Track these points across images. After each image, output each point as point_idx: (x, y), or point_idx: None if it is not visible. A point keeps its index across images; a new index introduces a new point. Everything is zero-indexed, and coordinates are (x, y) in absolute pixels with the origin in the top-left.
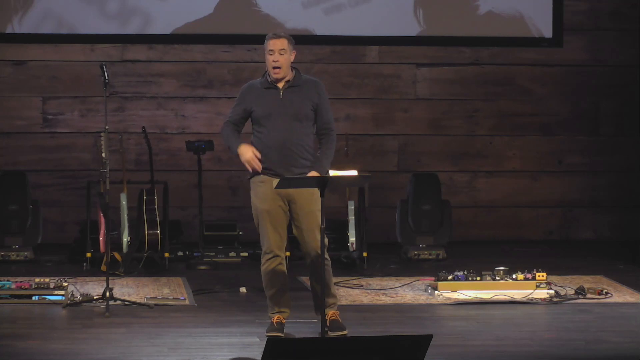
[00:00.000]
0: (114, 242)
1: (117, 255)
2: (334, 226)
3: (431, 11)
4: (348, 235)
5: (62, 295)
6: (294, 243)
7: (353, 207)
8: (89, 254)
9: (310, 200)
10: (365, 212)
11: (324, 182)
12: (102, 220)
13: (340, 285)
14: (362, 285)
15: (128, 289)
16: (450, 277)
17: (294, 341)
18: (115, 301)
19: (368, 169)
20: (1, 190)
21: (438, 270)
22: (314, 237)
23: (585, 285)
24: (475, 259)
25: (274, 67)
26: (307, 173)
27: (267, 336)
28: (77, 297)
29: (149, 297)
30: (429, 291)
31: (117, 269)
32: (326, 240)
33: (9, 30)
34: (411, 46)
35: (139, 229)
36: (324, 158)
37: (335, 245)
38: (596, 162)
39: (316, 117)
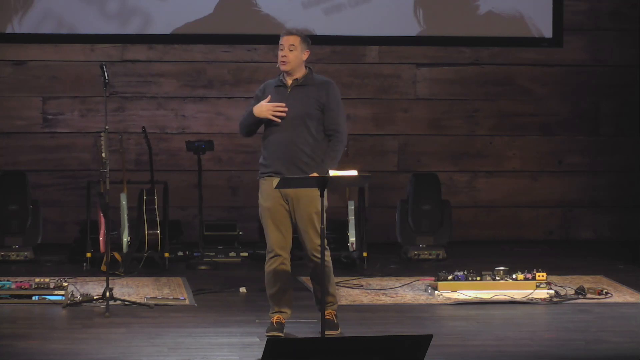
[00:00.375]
0: (114, 242)
1: (117, 255)
2: (334, 226)
3: (431, 11)
4: (348, 235)
5: (62, 295)
6: (294, 243)
7: (353, 207)
8: (89, 254)
9: (308, 202)
10: (365, 212)
11: (323, 182)
12: (102, 220)
13: (340, 285)
14: (362, 285)
15: (128, 289)
16: (450, 277)
17: (294, 341)
18: (115, 301)
19: (368, 169)
20: (1, 190)
21: (438, 270)
22: (309, 238)
23: (585, 285)
24: (475, 259)
25: (281, 62)
26: (310, 173)
27: (266, 336)
28: (77, 297)
29: (149, 297)
30: (429, 291)
31: (117, 269)
32: (318, 241)
33: (9, 30)
34: (411, 46)
35: (139, 229)
36: (326, 160)
37: (335, 245)
38: (596, 162)
39: (324, 116)
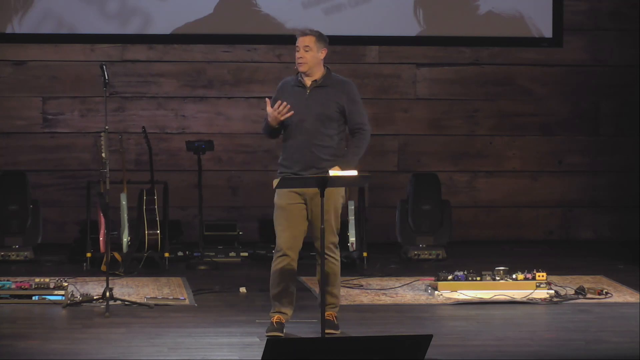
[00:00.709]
0: (114, 242)
1: (117, 255)
2: None
3: (431, 11)
4: (348, 235)
5: (62, 295)
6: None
7: (353, 207)
8: (89, 254)
9: (327, 200)
10: (365, 212)
11: (323, 182)
12: (102, 220)
13: (340, 285)
14: (362, 285)
15: (128, 289)
16: (450, 277)
17: (294, 341)
18: (115, 301)
19: (368, 169)
20: (1, 190)
21: (438, 270)
22: (319, 235)
23: (585, 285)
24: (475, 259)
25: (298, 63)
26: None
27: (267, 336)
28: (77, 297)
29: (149, 297)
30: (429, 291)
31: (117, 269)
32: (334, 239)
33: (9, 30)
34: (411, 46)
35: (139, 229)
36: (350, 154)
37: None
38: (596, 162)
39: (346, 118)
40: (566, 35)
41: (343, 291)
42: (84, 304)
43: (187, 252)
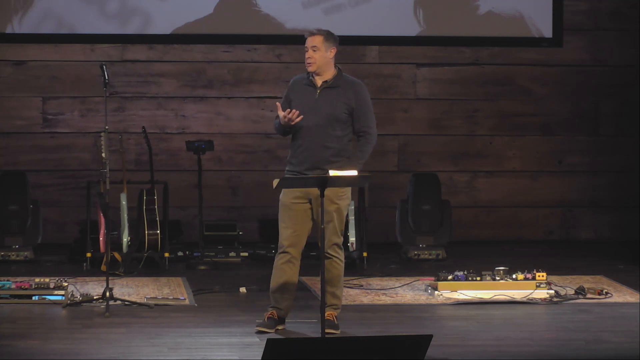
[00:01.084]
0: (114, 242)
1: (117, 255)
2: None
3: (431, 11)
4: (348, 235)
5: (62, 295)
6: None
7: (353, 207)
8: (89, 254)
9: (331, 201)
10: (365, 212)
11: (323, 182)
12: (102, 220)
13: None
14: (362, 285)
15: (128, 289)
16: (450, 277)
17: (294, 341)
18: (115, 301)
19: (368, 169)
20: (1, 190)
21: (438, 270)
22: (327, 237)
23: (585, 285)
24: (475, 259)
25: (307, 64)
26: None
27: (256, 329)
28: (77, 297)
29: (149, 297)
30: (429, 291)
31: (117, 269)
32: (338, 240)
33: (9, 30)
34: (411, 46)
35: (139, 229)
36: (353, 158)
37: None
38: (596, 162)
39: (353, 119)
40: (566, 35)
41: (343, 291)
42: (84, 304)
43: (187, 252)
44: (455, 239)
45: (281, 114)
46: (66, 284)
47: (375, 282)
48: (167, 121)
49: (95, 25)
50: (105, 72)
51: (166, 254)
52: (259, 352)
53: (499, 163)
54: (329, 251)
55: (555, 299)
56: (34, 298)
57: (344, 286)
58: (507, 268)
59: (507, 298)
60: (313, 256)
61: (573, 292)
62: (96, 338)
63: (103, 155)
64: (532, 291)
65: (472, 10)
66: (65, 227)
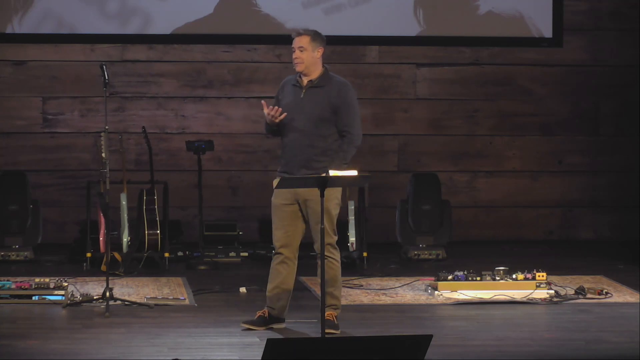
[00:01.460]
0: (114, 242)
1: (117, 255)
2: None
3: (431, 11)
4: (348, 235)
5: (62, 295)
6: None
7: (353, 207)
8: (89, 254)
9: (317, 200)
10: (365, 212)
11: (323, 182)
12: (102, 220)
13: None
14: (362, 285)
15: (128, 289)
16: (450, 277)
17: (294, 341)
18: (115, 301)
19: (368, 169)
20: (1, 190)
21: (438, 270)
22: (316, 236)
23: (585, 285)
24: (475, 259)
25: (294, 64)
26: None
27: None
28: (77, 297)
29: (149, 297)
30: (429, 291)
31: (117, 269)
32: (331, 239)
33: (9, 30)
34: (411, 46)
35: (139, 229)
36: (335, 159)
37: None
38: (596, 162)
39: (337, 119)
40: (566, 35)
41: (343, 291)
42: (84, 304)
43: (187, 252)
44: (455, 239)
45: (265, 110)
46: (66, 284)
47: (375, 282)
48: (167, 121)
49: (95, 25)
50: (105, 72)
51: (166, 254)
52: (259, 352)
53: (499, 163)
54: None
55: (555, 299)
56: (34, 298)
57: (344, 286)
58: (507, 268)
59: (507, 298)
60: (312, 256)
61: (573, 292)
62: (96, 338)
63: (103, 155)
64: (532, 291)
65: (472, 10)
66: (65, 227)
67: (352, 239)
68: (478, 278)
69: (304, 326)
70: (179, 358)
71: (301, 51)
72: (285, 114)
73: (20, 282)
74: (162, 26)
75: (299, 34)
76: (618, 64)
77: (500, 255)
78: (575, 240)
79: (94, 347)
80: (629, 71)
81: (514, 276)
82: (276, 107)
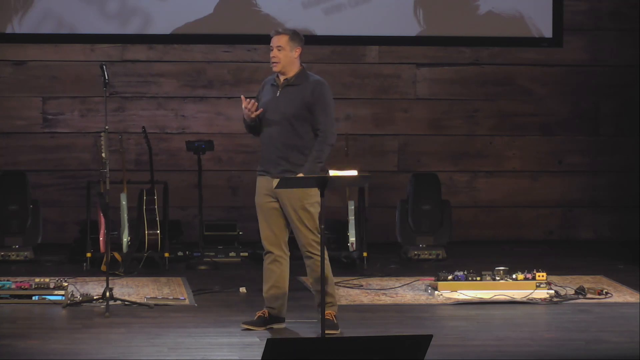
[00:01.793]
0: (114, 242)
1: (117, 255)
2: (334, 226)
3: (431, 11)
4: (348, 235)
5: (62, 295)
6: (292, 243)
7: (353, 207)
8: (89, 254)
9: (291, 198)
10: (365, 212)
11: (323, 182)
12: (102, 220)
13: (340, 285)
14: (362, 285)
15: (128, 289)
16: (450, 277)
17: (294, 341)
18: (115, 301)
19: (368, 169)
20: (1, 190)
21: (438, 270)
22: (299, 234)
23: (586, 285)
24: (475, 259)
25: (272, 63)
26: (297, 173)
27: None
28: (77, 297)
29: (149, 297)
30: (429, 291)
31: (117, 269)
32: (313, 237)
33: (9, 30)
34: (411, 46)
35: (139, 229)
36: (309, 160)
37: (335, 245)
38: (596, 162)
39: (311, 117)
40: (566, 35)
41: (343, 291)
42: (84, 304)
43: (187, 252)
44: (455, 239)
45: (243, 104)
46: (66, 284)
47: (375, 282)
48: (167, 121)
49: (95, 25)
50: (105, 72)
51: (166, 254)
52: (259, 352)
53: (499, 163)
54: (309, 250)
55: (555, 299)
56: (34, 298)
57: (344, 286)
58: (507, 268)
59: (507, 298)
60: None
61: (573, 292)
62: (96, 338)
63: (103, 155)
64: (532, 291)
65: (472, 10)
66: (65, 227)
67: (352, 239)
68: (478, 278)
69: (304, 326)
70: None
71: (279, 50)
72: (261, 109)
73: (20, 282)
74: (162, 26)
75: (278, 33)
76: (618, 64)
77: (500, 255)
78: (575, 240)
79: (94, 347)
80: (629, 71)
81: (514, 276)
82: (252, 101)
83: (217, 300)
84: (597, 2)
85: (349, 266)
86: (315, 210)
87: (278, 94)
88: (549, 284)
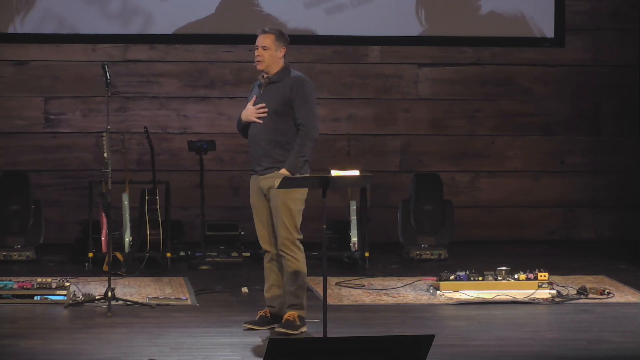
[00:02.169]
0: (116, 242)
1: (119, 255)
2: (336, 226)
3: (433, 11)
4: (350, 235)
5: (64, 295)
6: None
7: (355, 207)
8: (90, 254)
9: (274, 194)
10: (367, 212)
11: (326, 183)
12: (104, 220)
13: (342, 285)
14: (364, 285)
15: (130, 289)
16: (452, 277)
17: (296, 341)
18: (117, 301)
19: (370, 169)
20: (3, 190)
21: (440, 270)
22: (278, 231)
23: (587, 285)
24: (477, 259)
25: (255, 62)
26: (280, 169)
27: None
28: (79, 297)
29: (150, 297)
30: (431, 291)
31: (119, 269)
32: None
33: (10, 30)
34: (413, 46)
35: (141, 229)
36: (291, 155)
37: (337, 245)
38: (597, 162)
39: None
40: (567, 35)
41: (345, 291)
42: (86, 304)
43: (189, 252)
44: (456, 239)
45: (250, 106)
46: (68, 284)
47: (377, 282)
48: (169, 121)
49: (97, 25)
50: (107, 72)
51: (168, 254)
52: (260, 352)
53: (500, 163)
54: (281, 248)
55: (557, 299)
56: (35, 298)
57: (346, 286)
58: (509, 268)
59: (509, 298)
60: (314, 256)
61: (575, 292)
62: (98, 338)
63: (105, 155)
64: (534, 291)
65: (473, 11)
66: (67, 227)
67: (354, 239)
68: (480, 278)
69: (306, 326)
70: (152, 358)
71: (264, 49)
72: (266, 110)
73: (22, 282)
74: (164, 26)
75: (264, 32)
76: (619, 64)
77: (502, 255)
78: (576, 240)
79: (95, 347)
80: (630, 71)
81: (515, 276)
82: (263, 105)
83: (219, 300)
84: (598, 2)
85: (350, 266)
86: (296, 208)
87: (261, 92)
88: (551, 284)
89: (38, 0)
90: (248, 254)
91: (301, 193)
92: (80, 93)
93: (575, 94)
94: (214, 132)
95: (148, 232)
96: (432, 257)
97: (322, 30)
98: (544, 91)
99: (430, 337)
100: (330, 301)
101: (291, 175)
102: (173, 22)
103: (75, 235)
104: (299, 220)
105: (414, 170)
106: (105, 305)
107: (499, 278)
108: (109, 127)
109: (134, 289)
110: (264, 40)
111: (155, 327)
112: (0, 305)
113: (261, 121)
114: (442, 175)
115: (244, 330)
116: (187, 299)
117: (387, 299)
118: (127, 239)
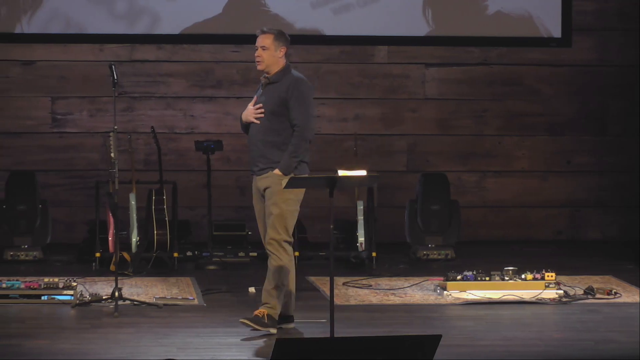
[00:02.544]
0: (123, 242)
1: (126, 255)
2: (343, 226)
3: (440, 11)
4: (357, 235)
5: (71, 295)
6: (302, 243)
7: (362, 207)
8: (98, 254)
9: (270, 194)
10: (374, 212)
11: (332, 182)
12: (111, 220)
13: (349, 285)
14: (371, 285)
15: (137, 289)
16: (459, 277)
17: (303, 341)
18: (124, 301)
19: (377, 169)
20: (10, 190)
21: (447, 270)
22: (267, 231)
23: (595, 286)
24: (484, 259)
25: (256, 62)
26: (274, 170)
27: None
28: (86, 297)
29: (157, 297)
30: (438, 291)
31: (126, 269)
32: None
33: (17, 30)
34: (420, 46)
35: (148, 229)
36: (285, 155)
37: (344, 245)
38: (603, 162)
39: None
40: (574, 35)
41: (352, 291)
42: (93, 303)
43: (196, 252)
44: (464, 239)
45: (250, 106)
46: (75, 283)
47: (384, 282)
48: (175, 121)
49: (104, 25)
50: (114, 72)
51: (175, 254)
52: (267, 352)
53: (507, 163)
54: (267, 246)
55: (564, 299)
56: (43, 298)
57: (353, 286)
58: (516, 268)
59: (516, 298)
60: (321, 256)
61: (582, 292)
62: (105, 338)
63: (112, 155)
64: (541, 291)
65: (481, 10)
66: (74, 227)
67: (361, 239)
68: (487, 278)
69: (313, 326)
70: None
71: (263, 49)
72: (263, 110)
73: (30, 282)
74: (171, 26)
75: (263, 32)
76: (626, 64)
77: (509, 255)
78: (583, 240)
79: (102, 347)
80: (637, 71)
81: (523, 276)
82: (260, 105)
83: (226, 300)
84: (604, 3)
85: (357, 266)
86: (289, 208)
87: (261, 92)
88: (558, 284)
89: (45, 0)
90: (255, 254)
91: (295, 194)
92: (87, 93)
93: (582, 94)
94: (221, 132)
95: (155, 232)
96: (439, 257)
97: (329, 30)
98: (551, 91)
99: (437, 337)
100: (337, 301)
101: (284, 176)
102: (180, 22)
103: (82, 235)
104: (291, 222)
105: (421, 170)
106: (112, 305)
107: (506, 278)
108: (116, 127)
109: (141, 289)
110: (263, 40)
111: (163, 327)
112: (8, 305)
113: (259, 122)
114: (449, 175)
115: (250, 330)
116: (194, 299)
117: (394, 299)
118: (134, 239)
